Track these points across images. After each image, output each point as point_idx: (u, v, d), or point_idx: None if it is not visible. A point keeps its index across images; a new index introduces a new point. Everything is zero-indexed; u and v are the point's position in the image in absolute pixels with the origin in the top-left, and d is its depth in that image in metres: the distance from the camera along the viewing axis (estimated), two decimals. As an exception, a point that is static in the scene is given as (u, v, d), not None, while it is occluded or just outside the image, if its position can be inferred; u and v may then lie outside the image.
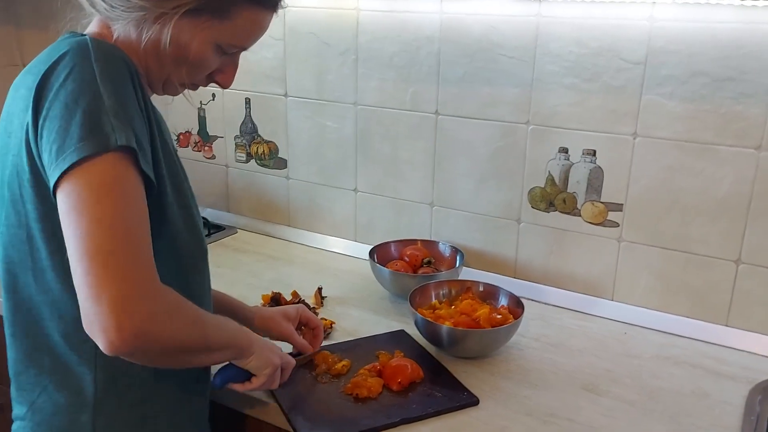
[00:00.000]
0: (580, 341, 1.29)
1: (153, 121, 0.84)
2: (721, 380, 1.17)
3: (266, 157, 1.79)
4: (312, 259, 1.68)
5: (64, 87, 0.75)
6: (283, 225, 1.82)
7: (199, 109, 1.86)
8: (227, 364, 0.95)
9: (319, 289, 1.44)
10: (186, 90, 0.95)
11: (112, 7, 0.84)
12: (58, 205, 0.74)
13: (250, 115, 1.78)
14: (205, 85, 0.95)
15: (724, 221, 1.25)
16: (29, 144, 0.78)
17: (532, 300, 1.45)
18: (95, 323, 0.70)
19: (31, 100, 0.77)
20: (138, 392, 0.89)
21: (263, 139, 1.78)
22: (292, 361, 1.03)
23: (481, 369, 1.18)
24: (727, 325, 1.29)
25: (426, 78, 1.50)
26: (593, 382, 1.15)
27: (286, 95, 1.69)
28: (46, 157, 0.75)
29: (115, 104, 0.75)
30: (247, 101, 1.77)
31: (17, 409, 0.92)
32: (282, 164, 1.77)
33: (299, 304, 1.21)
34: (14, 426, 0.93)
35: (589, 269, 1.41)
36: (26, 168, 0.80)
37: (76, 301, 0.75)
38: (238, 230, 1.85)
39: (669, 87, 1.25)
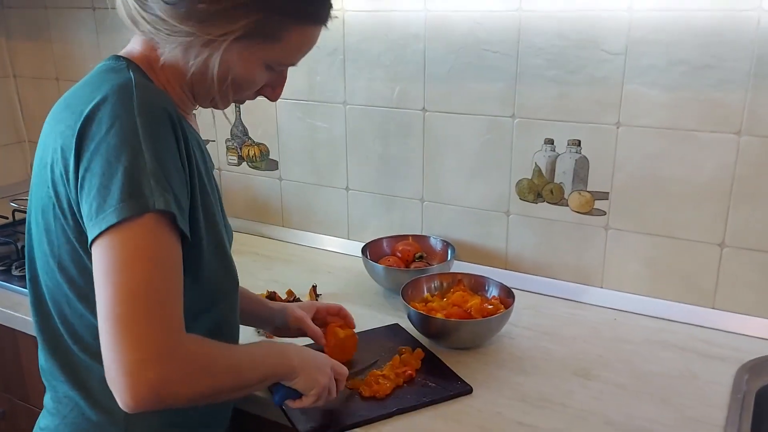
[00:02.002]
0: (572, 329, 1.31)
1: (194, 170, 0.84)
2: (709, 361, 1.19)
3: (257, 159, 1.81)
4: (307, 258, 1.70)
5: (106, 141, 0.75)
6: (277, 226, 1.84)
7: (190, 113, 1.87)
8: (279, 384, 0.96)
9: (314, 287, 1.46)
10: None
11: (157, 30, 0.83)
12: (93, 260, 0.75)
13: (240, 119, 1.80)
14: (253, 99, 0.95)
15: (707, 206, 1.28)
16: (67, 185, 0.79)
17: (524, 290, 1.47)
18: (114, 383, 0.72)
19: (73, 145, 0.77)
20: (168, 416, 0.91)
21: (254, 142, 1.80)
22: (345, 371, 1.02)
23: (475, 359, 1.20)
24: (714, 308, 1.32)
25: (413, 76, 1.52)
26: (585, 368, 1.17)
27: (275, 97, 1.71)
28: (86, 211, 0.76)
29: (155, 165, 0.75)
30: (237, 105, 1.79)
31: (48, 420, 0.94)
32: (273, 165, 1.79)
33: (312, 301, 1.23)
34: None
35: (579, 258, 1.44)
36: (63, 206, 0.81)
37: None
38: (233, 232, 1.86)
39: (650, 76, 1.27)
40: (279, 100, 1.70)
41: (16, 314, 1.41)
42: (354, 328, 1.21)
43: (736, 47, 1.19)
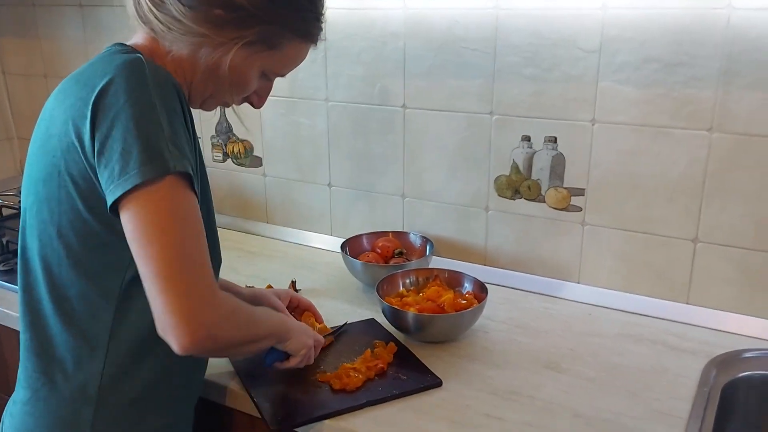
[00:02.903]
0: (546, 323, 1.33)
1: (196, 143, 0.89)
2: (680, 355, 1.20)
3: (242, 155, 1.83)
4: (290, 254, 1.71)
5: (124, 110, 0.80)
6: (261, 222, 1.86)
7: (176, 110, 1.89)
8: (271, 347, 1.04)
9: (293, 282, 1.47)
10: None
11: (169, 29, 0.89)
12: (123, 224, 0.80)
13: (225, 115, 1.82)
14: (239, 104, 1.03)
15: (680, 201, 1.29)
16: (79, 153, 0.83)
17: (502, 286, 1.49)
18: (170, 330, 0.78)
19: (88, 113, 0.81)
20: (140, 391, 0.94)
21: (238, 139, 1.82)
22: (321, 339, 1.13)
23: (448, 352, 1.21)
24: (687, 303, 1.33)
25: (393, 73, 1.53)
26: (556, 361, 1.19)
27: (259, 94, 1.72)
28: (107, 175, 0.80)
29: (171, 132, 0.81)
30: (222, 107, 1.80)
31: (21, 393, 0.96)
32: (258, 162, 1.81)
33: (288, 289, 1.29)
34: (13, 409, 0.96)
35: (556, 253, 1.45)
36: (73, 173, 0.84)
37: (96, 299, 0.87)
38: (219, 229, 1.88)
39: (624, 73, 1.28)
40: (262, 97, 1.74)
41: (-2, 308, 1.42)
42: (322, 323, 1.25)
43: (707, 45, 1.20)
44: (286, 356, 1.06)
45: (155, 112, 0.80)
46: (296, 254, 1.71)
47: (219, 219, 1.88)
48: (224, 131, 1.84)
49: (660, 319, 1.33)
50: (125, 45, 0.92)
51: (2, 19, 2.17)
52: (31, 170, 0.92)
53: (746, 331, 1.27)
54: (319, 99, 1.65)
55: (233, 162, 1.85)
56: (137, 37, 0.95)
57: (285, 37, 0.94)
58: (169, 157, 0.79)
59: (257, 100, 1.04)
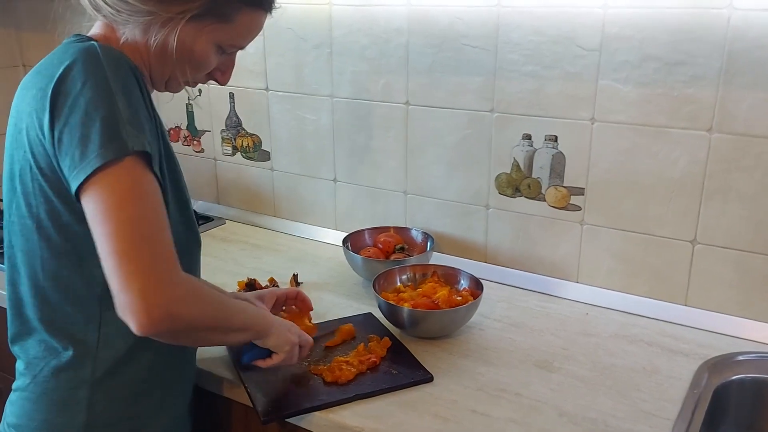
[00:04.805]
0: (542, 322, 1.33)
1: (158, 124, 0.91)
2: (674, 357, 1.20)
3: (250, 149, 1.85)
4: (294, 248, 1.74)
5: (82, 95, 0.81)
6: (268, 215, 1.88)
7: (187, 104, 1.92)
8: (252, 344, 1.03)
9: (295, 276, 1.50)
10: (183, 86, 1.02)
11: (118, 11, 0.90)
12: (84, 208, 0.81)
13: (235, 109, 1.84)
14: (204, 83, 1.03)
15: (679, 202, 1.28)
16: (43, 144, 0.85)
17: (501, 283, 1.49)
18: (127, 310, 0.79)
19: (47, 103, 0.82)
20: (134, 373, 0.97)
21: (247, 133, 1.84)
22: (310, 339, 1.11)
23: (441, 348, 1.23)
24: (686, 305, 1.32)
25: (396, 69, 1.54)
26: (547, 360, 1.19)
27: (267, 89, 1.75)
28: (68, 162, 0.82)
29: (129, 112, 0.82)
30: (231, 96, 1.83)
31: (20, 381, 0.99)
32: (265, 156, 1.83)
33: (271, 288, 1.29)
34: (13, 396, 0.99)
35: (555, 252, 1.45)
36: (41, 165, 0.86)
37: (83, 286, 0.89)
38: (227, 221, 1.91)
39: (623, 72, 1.28)
40: (269, 91, 1.76)
41: None
42: (311, 310, 1.25)
43: (707, 44, 1.19)
44: (268, 354, 1.04)
45: (111, 95, 0.81)
46: (301, 248, 1.73)
47: (226, 211, 1.94)
48: (234, 125, 1.86)
49: (657, 320, 1.33)
50: (82, 35, 0.94)
51: (23, 14, 2.23)
52: (7, 167, 0.95)
53: (743, 334, 1.26)
54: (324, 95, 1.66)
55: (242, 156, 1.88)
56: (95, 27, 0.96)
57: (233, 6, 0.93)
58: (126, 138, 0.80)
59: (221, 76, 1.02)
